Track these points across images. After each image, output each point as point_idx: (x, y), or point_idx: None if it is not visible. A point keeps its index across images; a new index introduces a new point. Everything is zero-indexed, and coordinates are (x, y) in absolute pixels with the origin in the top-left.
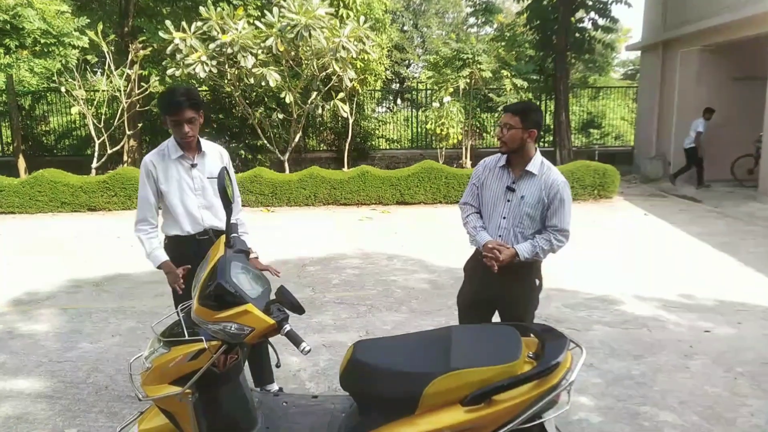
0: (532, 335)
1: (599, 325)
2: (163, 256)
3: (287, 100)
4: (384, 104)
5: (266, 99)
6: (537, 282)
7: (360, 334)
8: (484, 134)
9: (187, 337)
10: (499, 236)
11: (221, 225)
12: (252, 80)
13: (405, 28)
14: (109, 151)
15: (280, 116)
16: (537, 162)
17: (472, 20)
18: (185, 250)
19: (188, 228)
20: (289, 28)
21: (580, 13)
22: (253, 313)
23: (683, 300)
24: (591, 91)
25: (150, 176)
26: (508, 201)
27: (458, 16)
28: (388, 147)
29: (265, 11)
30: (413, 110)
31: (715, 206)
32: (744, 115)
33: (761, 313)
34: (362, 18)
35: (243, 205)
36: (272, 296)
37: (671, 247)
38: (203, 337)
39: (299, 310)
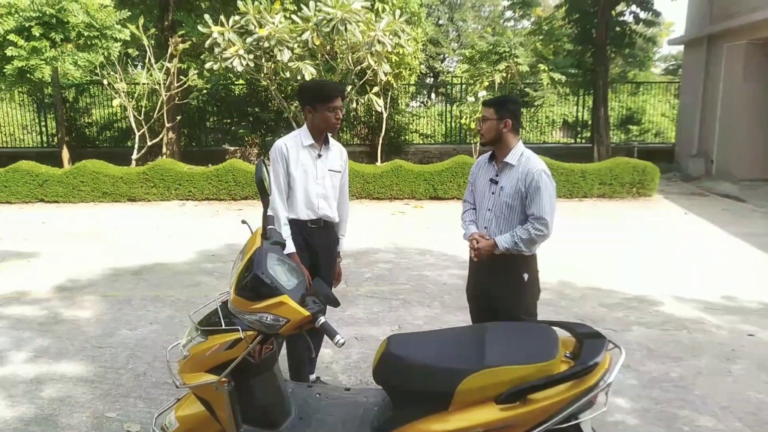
0: (570, 334)
1: (637, 325)
2: (292, 247)
3: None
4: (418, 99)
5: None
6: (526, 276)
7: (392, 329)
8: (520, 129)
9: (223, 327)
10: (485, 228)
11: (333, 215)
12: (288, 74)
13: (440, 21)
14: (149, 143)
15: None
16: (516, 153)
17: (508, 14)
18: (297, 235)
19: (304, 214)
20: (325, 22)
21: (620, 6)
22: (288, 304)
23: (725, 302)
24: (631, 86)
25: (283, 158)
26: (493, 193)
27: (494, 10)
28: (421, 142)
29: (302, 5)
30: (447, 105)
31: (758, 206)
32: None
33: None
34: (398, 12)
35: None
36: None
37: (712, 247)
38: (239, 327)
39: (334, 302)
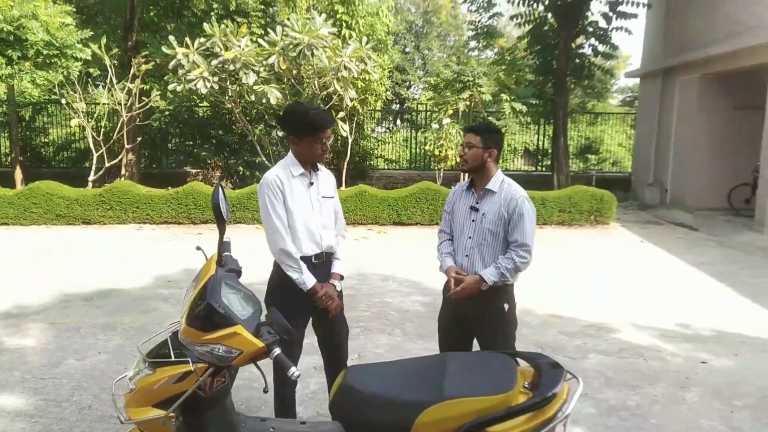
0: (528, 364)
1: (595, 353)
2: (312, 280)
3: None
4: (383, 124)
5: (266, 116)
6: (506, 307)
7: (352, 357)
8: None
9: (173, 359)
10: (466, 256)
11: (334, 245)
12: (253, 97)
13: (407, 49)
14: (107, 164)
15: (280, 134)
16: (497, 180)
17: (473, 44)
18: None
19: (309, 249)
20: (291, 46)
21: (580, 39)
22: (242, 335)
23: (680, 330)
24: (589, 116)
25: (279, 192)
26: (473, 221)
27: (459, 40)
28: (386, 167)
29: (269, 29)
30: (412, 131)
31: (712, 235)
32: (742, 144)
33: (760, 346)
34: (364, 39)
35: (237, 222)
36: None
37: (668, 275)
38: (190, 359)
39: (290, 333)
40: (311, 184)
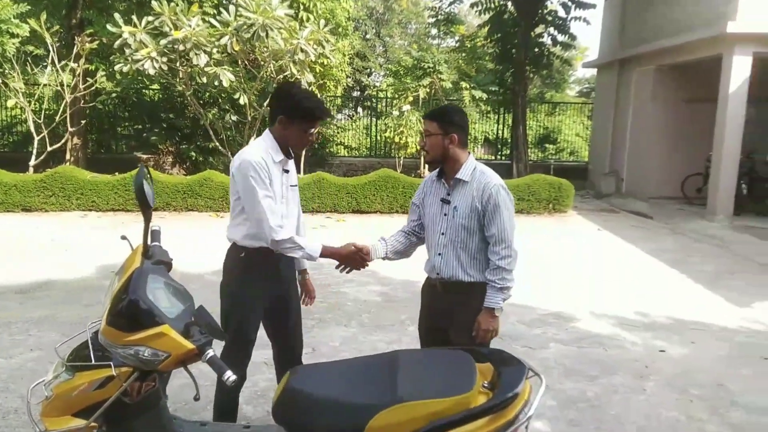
0: (487, 361)
1: (554, 342)
2: (318, 249)
3: (242, 102)
4: (344, 111)
5: (220, 100)
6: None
7: (306, 352)
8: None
9: (93, 363)
10: (439, 255)
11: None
12: (205, 79)
13: (367, 36)
14: (49, 149)
15: (234, 118)
16: (468, 168)
17: (434, 31)
18: (265, 266)
19: None
20: (245, 27)
21: (539, 29)
22: (169, 335)
23: (638, 318)
24: (547, 106)
25: (267, 176)
26: (445, 215)
27: (420, 27)
28: (346, 154)
29: (221, 9)
30: (373, 119)
31: (665, 223)
32: (695, 134)
33: (715, 333)
34: (322, 21)
35: (190, 210)
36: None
37: (624, 262)
38: (112, 363)
39: (218, 334)
40: (285, 171)
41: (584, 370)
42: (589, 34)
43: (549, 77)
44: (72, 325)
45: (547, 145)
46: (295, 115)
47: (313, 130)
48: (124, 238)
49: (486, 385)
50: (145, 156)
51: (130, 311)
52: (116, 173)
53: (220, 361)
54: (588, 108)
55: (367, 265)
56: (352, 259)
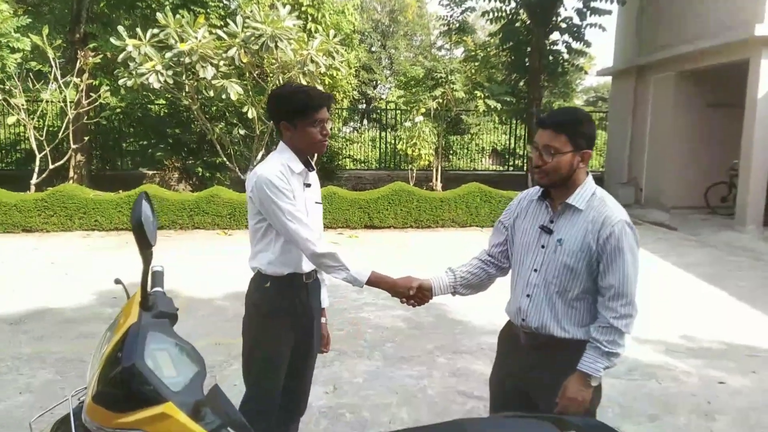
0: None
1: (604, 375)
2: (369, 268)
3: (250, 116)
4: (350, 124)
5: (227, 114)
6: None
7: (326, 390)
8: (451, 156)
9: None
10: (527, 296)
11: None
12: (212, 93)
13: (373, 48)
14: (51, 166)
15: (242, 132)
16: (586, 192)
17: (440, 43)
18: (294, 297)
19: (306, 265)
20: (253, 38)
21: (554, 36)
22: (174, 418)
23: (686, 343)
24: None
25: (289, 189)
26: (543, 247)
27: (426, 39)
28: (354, 167)
29: (228, 20)
30: (380, 131)
31: (691, 234)
32: (718, 142)
33: None
34: (332, 32)
35: (197, 228)
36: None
37: (658, 279)
38: None
39: (237, 426)
40: (307, 185)
41: (643, 409)
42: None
43: (564, 85)
44: (66, 362)
45: None
46: (293, 114)
47: (320, 123)
48: (118, 282)
49: None
50: (150, 172)
51: (123, 384)
52: (120, 191)
53: None
54: (598, 117)
55: (428, 301)
56: (406, 293)
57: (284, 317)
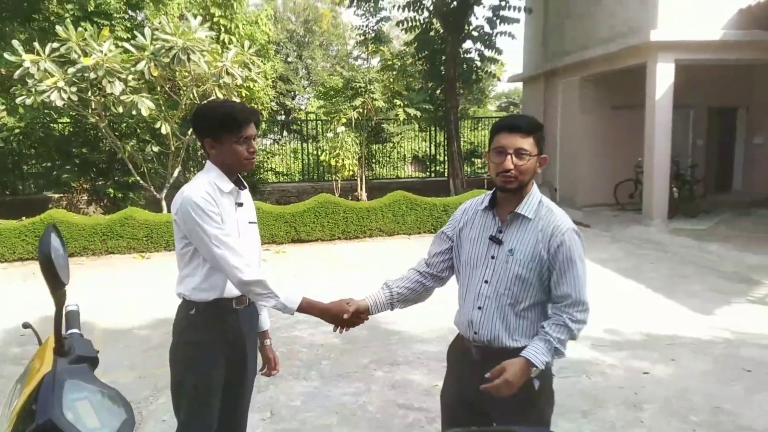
0: None
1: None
2: (299, 295)
3: (163, 131)
4: (270, 136)
5: (139, 130)
6: (537, 384)
7: (263, 417)
8: (374, 165)
9: None
10: (479, 308)
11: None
12: (121, 109)
13: (289, 59)
14: None
15: (156, 149)
16: (533, 201)
17: (356, 52)
18: (223, 323)
19: (229, 289)
20: (164, 51)
21: (467, 44)
22: None
23: (610, 336)
24: (471, 122)
25: (217, 211)
26: (492, 258)
27: (342, 49)
28: (277, 180)
29: (136, 33)
30: (302, 142)
31: (604, 231)
32: (624, 141)
33: (690, 346)
34: (246, 43)
35: (111, 252)
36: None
37: None
38: None
39: None
40: (239, 205)
41: (575, 405)
42: (506, 49)
43: (479, 92)
44: None
45: (474, 160)
46: (218, 131)
47: (247, 140)
48: (27, 326)
49: None
50: (56, 195)
51: None
52: (23, 218)
53: None
54: None
55: (363, 323)
56: (340, 319)
57: (213, 345)
